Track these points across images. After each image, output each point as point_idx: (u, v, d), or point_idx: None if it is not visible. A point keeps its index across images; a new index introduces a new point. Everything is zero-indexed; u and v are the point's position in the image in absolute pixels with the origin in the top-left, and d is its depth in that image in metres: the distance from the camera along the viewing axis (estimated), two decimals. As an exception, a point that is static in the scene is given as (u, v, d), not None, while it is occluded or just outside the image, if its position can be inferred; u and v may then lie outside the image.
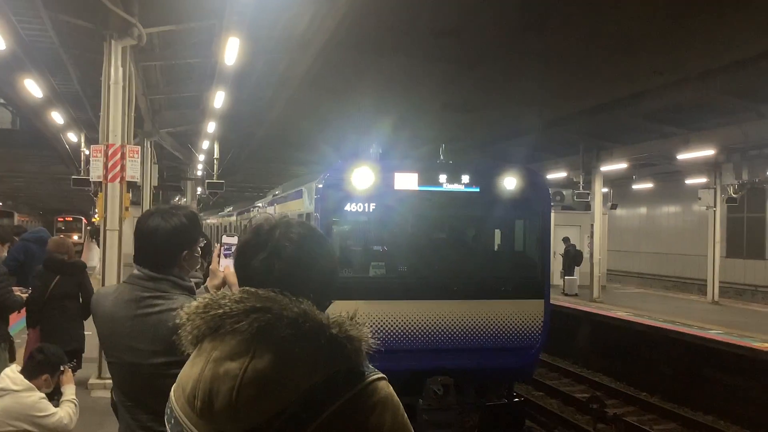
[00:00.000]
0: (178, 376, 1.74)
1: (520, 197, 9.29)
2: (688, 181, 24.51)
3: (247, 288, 1.68)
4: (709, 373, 13.34)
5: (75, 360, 6.93)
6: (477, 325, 8.92)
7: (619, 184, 28.55)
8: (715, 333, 14.25)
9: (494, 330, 9.03)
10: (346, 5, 10.73)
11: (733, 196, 20.52)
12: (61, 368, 5.23)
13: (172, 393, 1.74)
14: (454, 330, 8.82)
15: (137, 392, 2.74)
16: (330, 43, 12.26)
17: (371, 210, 8.88)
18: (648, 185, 29.29)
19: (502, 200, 9.16)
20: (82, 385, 8.59)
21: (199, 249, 2.99)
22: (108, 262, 10.15)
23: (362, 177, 8.52)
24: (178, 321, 1.71)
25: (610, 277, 28.85)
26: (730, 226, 26.01)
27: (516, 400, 9.57)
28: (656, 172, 26.51)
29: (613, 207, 27.49)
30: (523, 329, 9.17)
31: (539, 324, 9.27)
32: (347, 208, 8.77)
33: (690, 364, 13.90)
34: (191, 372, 1.64)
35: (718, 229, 21.46)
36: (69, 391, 5.21)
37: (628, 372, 15.33)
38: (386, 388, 1.64)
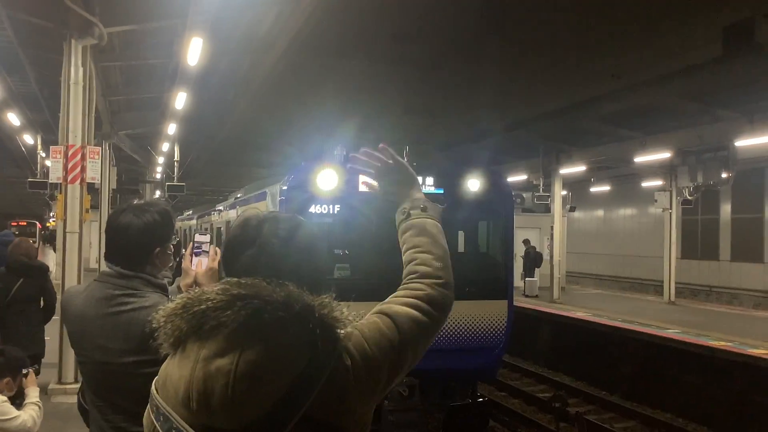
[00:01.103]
0: (162, 374, 1.72)
1: (484, 199, 9.34)
2: (645, 184, 24.95)
3: (228, 279, 1.67)
4: (667, 371, 13.61)
5: (35, 365, 6.80)
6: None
7: (577, 186, 28.97)
8: (672, 332, 14.54)
9: (459, 331, 9.07)
10: (310, 7, 10.72)
11: (689, 198, 20.92)
12: (24, 371, 5.14)
13: (155, 391, 1.71)
14: None
15: (109, 392, 2.70)
16: (293, 44, 12.24)
17: (336, 212, 8.86)
18: (605, 188, 29.76)
19: (466, 202, 9.17)
20: (42, 390, 8.42)
21: (171, 247, 2.97)
22: (68, 265, 9.96)
23: (327, 179, 8.47)
24: (154, 324, 1.68)
25: (570, 279, 29.24)
26: (685, 227, 26.54)
27: (480, 400, 9.62)
28: (614, 174, 26.96)
29: (572, 209, 27.87)
30: (487, 330, 9.24)
31: (503, 324, 9.35)
32: (312, 210, 8.71)
33: (648, 363, 14.16)
34: (181, 374, 1.62)
35: (674, 231, 21.91)
36: (32, 393, 5.11)
37: (589, 371, 15.55)
38: (353, 333, 1.68)
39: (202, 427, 1.57)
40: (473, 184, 9.28)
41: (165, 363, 1.73)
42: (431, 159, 14.62)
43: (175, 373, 1.65)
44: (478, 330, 9.20)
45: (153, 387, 1.73)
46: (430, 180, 9.13)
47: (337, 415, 1.61)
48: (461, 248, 10.72)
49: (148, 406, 1.73)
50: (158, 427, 1.66)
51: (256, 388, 1.54)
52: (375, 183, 2.14)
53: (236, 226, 1.84)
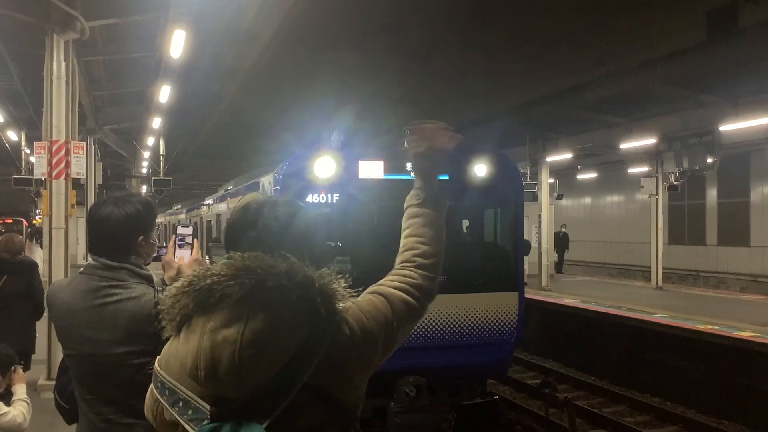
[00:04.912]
0: (166, 353, 1.77)
1: (492, 184, 8.71)
2: (631, 170, 25.06)
3: (232, 254, 1.72)
4: (655, 355, 13.71)
5: (23, 361, 6.78)
6: (449, 320, 8.48)
7: (564, 174, 29.05)
8: (659, 317, 14.64)
9: (467, 325, 8.58)
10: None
11: (675, 184, 21.04)
12: (12, 368, 5.13)
13: (158, 369, 1.76)
14: (426, 326, 8.34)
15: (98, 384, 2.71)
16: (277, 35, 12.21)
17: (334, 201, 8.40)
18: (592, 175, 29.87)
19: (472, 188, 8.53)
20: (31, 387, 8.39)
21: (155, 236, 2.97)
22: (54, 261, 9.93)
23: (324, 166, 8.03)
24: (161, 306, 1.74)
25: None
26: (671, 213, 26.68)
27: (490, 398, 9.11)
28: (600, 161, 27.06)
29: (559, 197, 27.98)
30: (497, 323, 8.73)
31: (514, 317, 8.83)
32: (309, 199, 8.23)
33: (637, 347, 14.26)
34: (188, 347, 1.67)
35: (660, 217, 22.01)
36: (20, 390, 5.11)
37: (578, 358, 15.65)
38: (350, 306, 1.77)
39: (209, 396, 1.63)
40: (480, 168, 8.63)
41: (167, 345, 1.78)
42: None
43: (180, 349, 1.70)
44: (487, 324, 8.68)
45: (156, 365, 1.78)
46: None
47: (337, 383, 1.70)
48: (468, 237, 10.20)
49: (151, 385, 1.79)
50: (163, 402, 1.72)
51: (262, 356, 1.60)
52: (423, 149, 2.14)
53: (237, 210, 1.91)
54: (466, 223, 10.09)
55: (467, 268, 8.93)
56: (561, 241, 28.23)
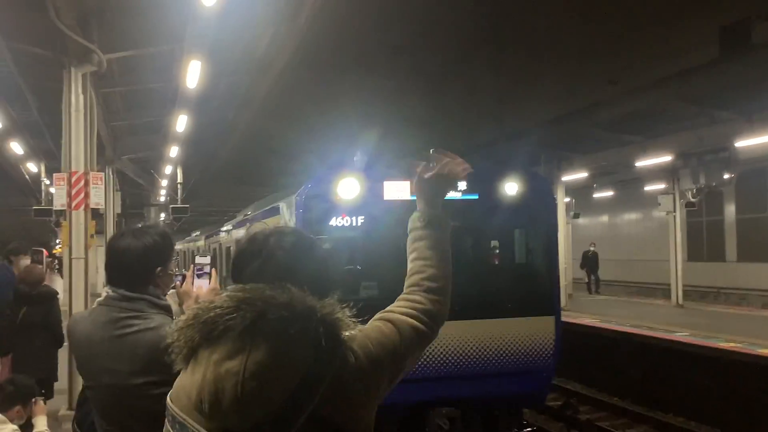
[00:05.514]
0: (176, 387, 1.78)
1: (524, 204, 8.45)
2: (648, 188, 24.94)
3: (234, 285, 1.75)
4: (678, 374, 13.55)
5: (43, 390, 6.84)
6: (482, 347, 8.07)
7: (580, 193, 28.92)
8: (681, 335, 14.49)
9: (501, 352, 8.16)
10: (306, 25, 10.81)
11: (692, 200, 20.89)
12: (33, 399, 5.18)
13: (170, 403, 1.78)
14: (458, 354, 7.94)
15: (118, 415, 2.73)
16: (291, 62, 12.34)
17: (359, 223, 8.02)
18: (608, 193, 29.70)
19: (504, 208, 8.32)
20: (52, 416, 8.43)
21: (173, 267, 3.01)
22: (74, 291, 10.02)
23: (348, 186, 7.68)
24: (169, 340, 1.75)
25: (576, 286, 29.16)
26: (690, 230, 26.48)
27: (528, 430, 8.92)
28: (616, 180, 26.96)
29: (576, 216, 27.83)
30: (533, 350, 8.31)
31: (551, 344, 8.44)
32: (332, 222, 7.90)
33: (658, 366, 14.10)
34: (193, 379, 1.69)
35: (679, 234, 21.84)
36: (41, 422, 5.15)
37: (599, 378, 15.49)
38: (357, 335, 1.75)
39: (217, 429, 1.63)
40: (512, 188, 8.35)
41: (178, 377, 1.80)
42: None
43: (187, 381, 1.71)
44: (522, 351, 8.24)
45: (168, 399, 1.80)
46: (463, 184, 8.07)
47: (344, 414, 1.69)
48: (500, 260, 9.82)
49: (166, 419, 1.79)
50: None
51: (265, 387, 1.60)
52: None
53: (244, 240, 1.94)
54: (497, 244, 9.72)
55: (500, 292, 8.63)
56: (590, 261, 28.04)
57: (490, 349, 8.11)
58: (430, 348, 7.46)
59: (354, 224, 8.02)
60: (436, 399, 7.70)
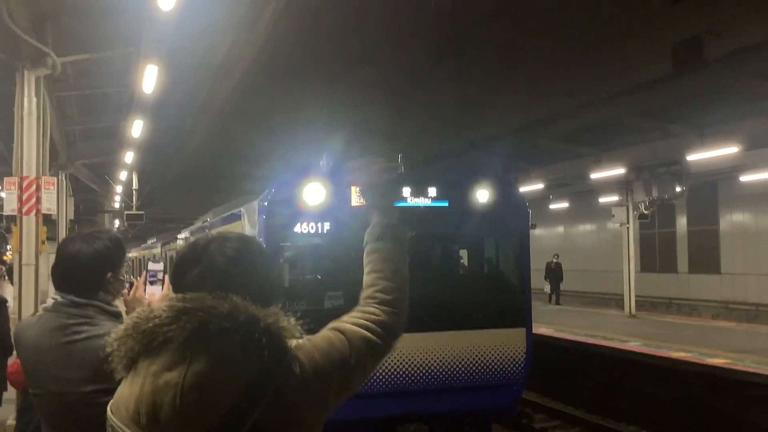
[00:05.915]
0: (116, 397, 1.73)
1: (496, 212, 8.27)
2: (602, 200, 25.32)
3: (174, 295, 1.70)
4: (631, 383, 13.75)
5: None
6: (451, 360, 7.86)
7: (536, 204, 29.27)
8: (633, 345, 14.71)
9: (470, 365, 7.96)
10: (265, 34, 10.79)
11: (645, 212, 21.29)
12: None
13: (110, 413, 1.72)
14: (426, 368, 7.74)
15: (66, 424, 2.67)
16: (251, 70, 12.30)
17: (325, 230, 7.78)
18: (564, 204, 30.13)
19: (474, 216, 8.12)
20: (0, 427, 8.24)
21: (124, 273, 2.96)
22: (24, 298, 9.80)
23: (313, 192, 7.43)
24: (108, 349, 1.70)
25: (533, 296, 29.43)
26: (643, 241, 26.95)
27: None
28: (572, 191, 27.36)
29: (533, 227, 28.04)
30: (503, 363, 8.11)
31: (521, 356, 8.21)
32: (297, 228, 7.67)
33: (612, 376, 14.29)
34: (131, 391, 1.64)
35: (632, 245, 22.22)
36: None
37: (553, 387, 15.63)
38: (304, 344, 1.71)
39: None
40: (483, 195, 8.18)
41: (119, 387, 1.74)
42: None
43: (126, 392, 1.66)
44: (492, 364, 8.04)
45: (108, 409, 1.74)
46: (432, 191, 7.97)
47: (288, 425, 1.64)
48: (470, 270, 9.60)
49: (106, 430, 1.73)
50: None
51: (204, 400, 1.55)
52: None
53: (185, 246, 1.88)
54: (467, 252, 9.54)
55: (470, 303, 8.38)
56: (553, 272, 27.86)
57: (460, 362, 7.92)
58: (398, 362, 7.40)
59: (320, 231, 7.79)
60: (404, 414, 7.55)
